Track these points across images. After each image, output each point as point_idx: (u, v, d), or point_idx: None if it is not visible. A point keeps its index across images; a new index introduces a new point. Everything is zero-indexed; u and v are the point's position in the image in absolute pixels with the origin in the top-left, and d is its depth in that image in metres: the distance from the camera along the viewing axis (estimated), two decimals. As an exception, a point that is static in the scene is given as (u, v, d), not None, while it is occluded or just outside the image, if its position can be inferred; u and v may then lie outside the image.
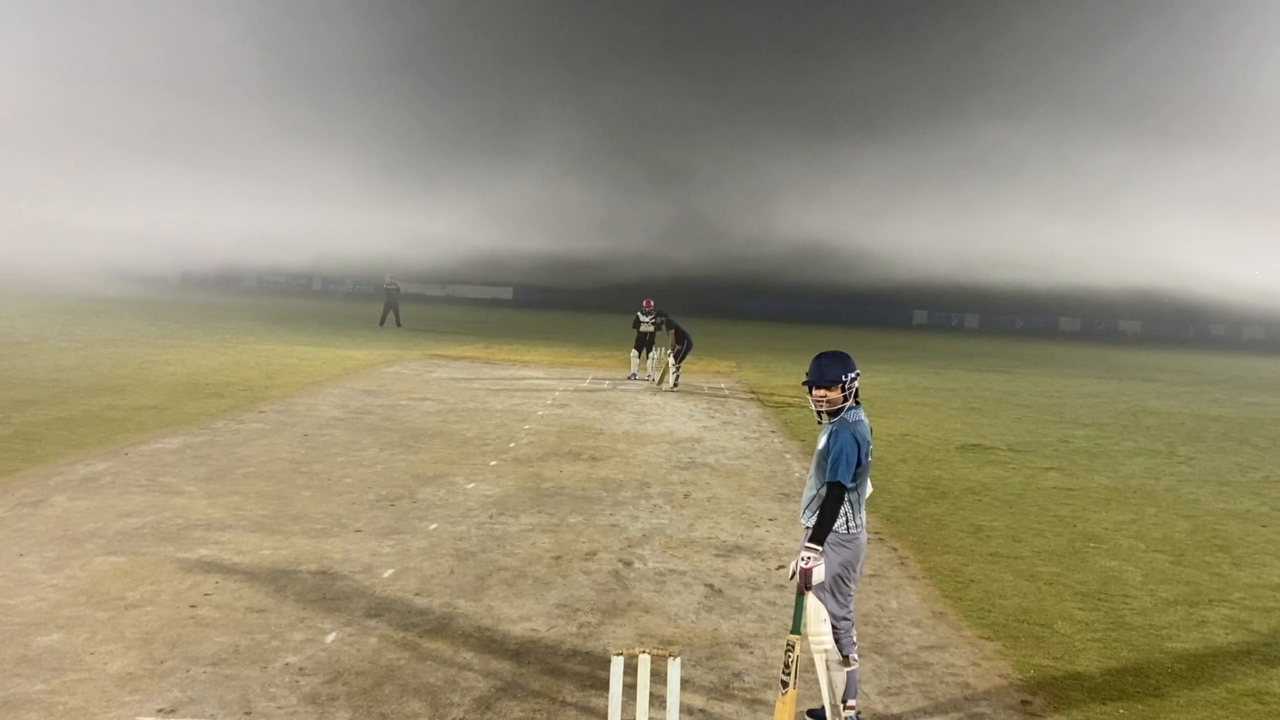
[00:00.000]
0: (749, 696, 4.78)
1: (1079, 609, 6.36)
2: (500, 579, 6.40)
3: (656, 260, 62.82)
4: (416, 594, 6.02)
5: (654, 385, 18.27)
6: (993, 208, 62.78)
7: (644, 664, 4.03)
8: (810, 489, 4.52)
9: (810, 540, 4.29)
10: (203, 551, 6.62)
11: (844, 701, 4.41)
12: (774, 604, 6.20)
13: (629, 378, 19.22)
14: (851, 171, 65.65)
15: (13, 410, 11.67)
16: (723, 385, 19.22)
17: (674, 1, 77.50)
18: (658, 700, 4.29)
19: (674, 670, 4.00)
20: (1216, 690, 5.12)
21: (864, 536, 4.49)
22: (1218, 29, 62.89)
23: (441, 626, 5.51)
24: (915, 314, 61.98)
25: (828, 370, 4.46)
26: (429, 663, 5.00)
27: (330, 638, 5.25)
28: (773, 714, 4.43)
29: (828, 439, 4.44)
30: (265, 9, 66.02)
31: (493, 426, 12.51)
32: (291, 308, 40.04)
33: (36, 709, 4.26)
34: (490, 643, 5.31)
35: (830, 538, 4.36)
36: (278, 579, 6.15)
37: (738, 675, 5.04)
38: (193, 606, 5.58)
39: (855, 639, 4.51)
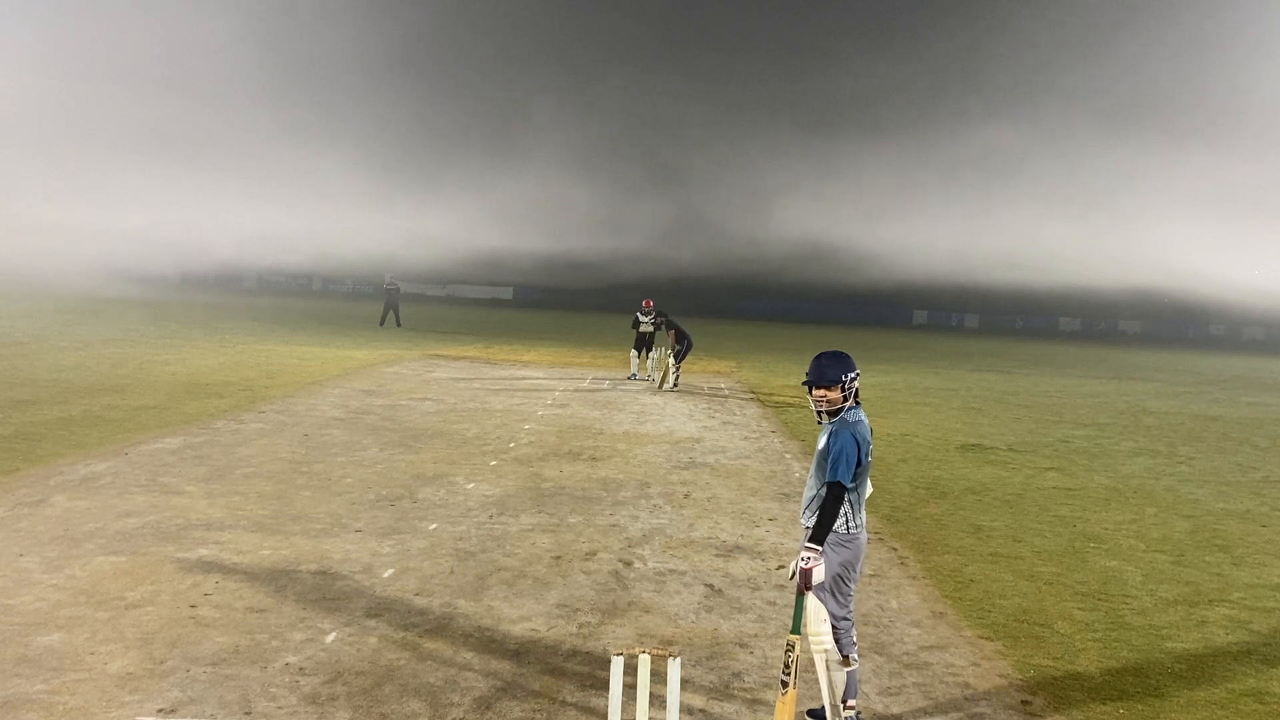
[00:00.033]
0: (749, 696, 4.78)
1: (1079, 609, 6.36)
2: (500, 579, 6.40)
3: (656, 260, 62.86)
4: (416, 594, 6.02)
5: (654, 385, 18.27)
6: (993, 208, 62.83)
7: (644, 664, 4.03)
8: (810, 489, 4.52)
9: (810, 540, 4.29)
10: (203, 551, 6.62)
11: (844, 701, 4.41)
12: (774, 604, 6.20)
13: (629, 378, 19.22)
14: (851, 171, 65.71)
15: (13, 410, 11.67)
16: (722, 385, 19.22)
17: (674, 1, 77.55)
18: (658, 700, 4.29)
19: (674, 670, 4.00)
20: (1216, 690, 5.12)
21: (864, 536, 4.49)
22: (1218, 29, 62.95)
23: (441, 626, 5.51)
24: (915, 314, 61.96)
25: (828, 370, 4.46)
26: (429, 663, 5.00)
27: (330, 638, 5.25)
28: (773, 714, 4.43)
29: (828, 439, 4.44)
30: (265, 9, 66.08)
31: (493, 426, 12.51)
32: (291, 308, 40.04)
33: (36, 709, 4.26)
34: (490, 643, 5.31)
35: (830, 538, 4.36)
36: (278, 579, 6.15)
37: (738, 675, 5.04)
38: (193, 606, 5.58)
39: (855, 639, 4.51)
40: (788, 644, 4.23)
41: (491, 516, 7.98)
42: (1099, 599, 6.58)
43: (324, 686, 4.65)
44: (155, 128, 61.94)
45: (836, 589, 4.44)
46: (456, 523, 7.72)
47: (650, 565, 6.89)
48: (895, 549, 7.67)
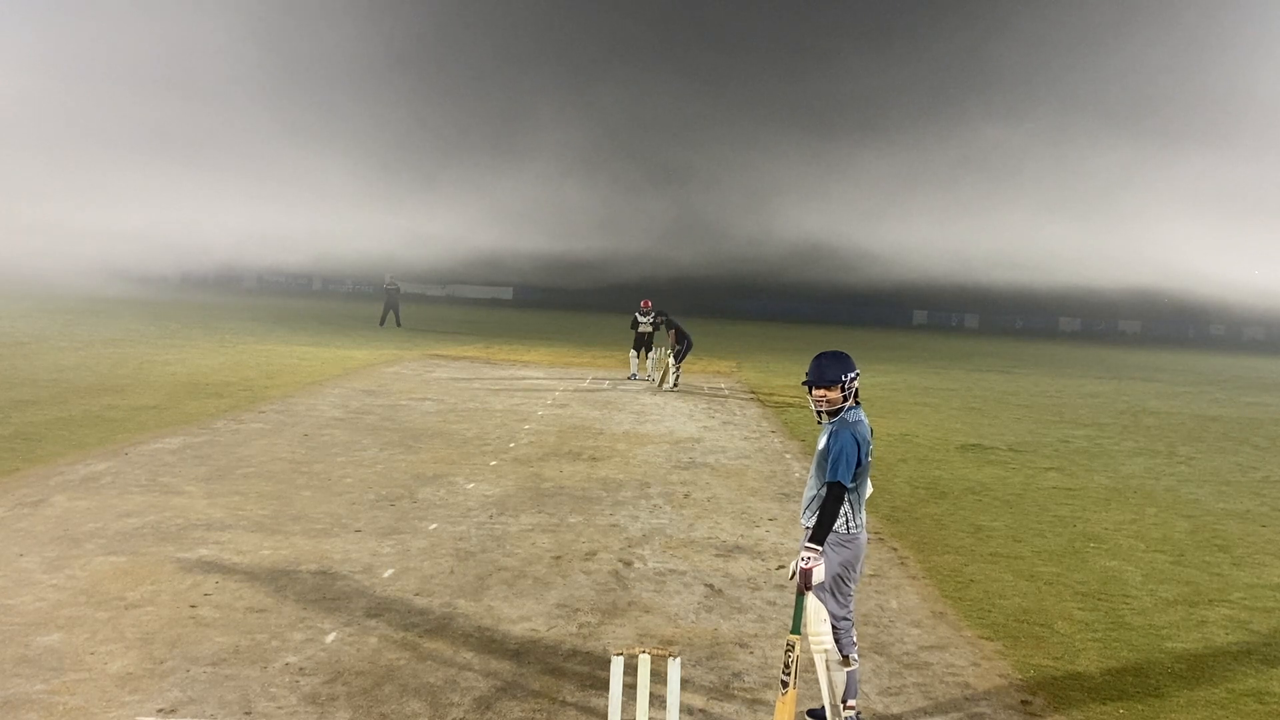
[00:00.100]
0: (749, 696, 4.78)
1: (1079, 609, 6.36)
2: (500, 579, 6.40)
3: (656, 260, 62.83)
4: (416, 594, 6.02)
5: (654, 385, 18.27)
6: (993, 208, 62.81)
7: (644, 664, 4.03)
8: (810, 489, 4.52)
9: (810, 540, 4.29)
10: (203, 551, 6.62)
11: (844, 701, 4.41)
12: (774, 604, 6.20)
13: (629, 378, 19.22)
14: (851, 171, 65.67)
15: (13, 410, 11.67)
16: (723, 385, 19.22)
17: (674, 1, 77.53)
18: (658, 700, 4.29)
19: (674, 670, 4.00)
20: (1216, 690, 5.12)
21: (864, 536, 4.49)
22: (1218, 29, 62.95)
23: (441, 626, 5.51)
24: (915, 314, 61.94)
25: (827, 370, 4.46)
26: (429, 663, 5.00)
27: (330, 638, 5.25)
28: (773, 714, 4.43)
29: (828, 439, 4.44)
30: (265, 9, 66.05)
31: (493, 426, 12.51)
32: (291, 308, 40.04)
33: (36, 709, 4.26)
34: (490, 643, 5.31)
35: (830, 538, 4.36)
36: (278, 579, 6.15)
37: (738, 675, 5.04)
38: (193, 606, 5.58)
39: (855, 639, 4.51)
40: (788, 644, 4.23)
41: (491, 516, 7.98)
42: (1099, 599, 6.58)
43: (324, 686, 4.65)
44: (155, 128, 62.00)
45: (836, 589, 4.44)
46: (456, 523, 7.72)
47: (650, 565, 6.89)
48: (895, 549, 7.67)
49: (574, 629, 5.59)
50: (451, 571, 6.50)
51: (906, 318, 61.43)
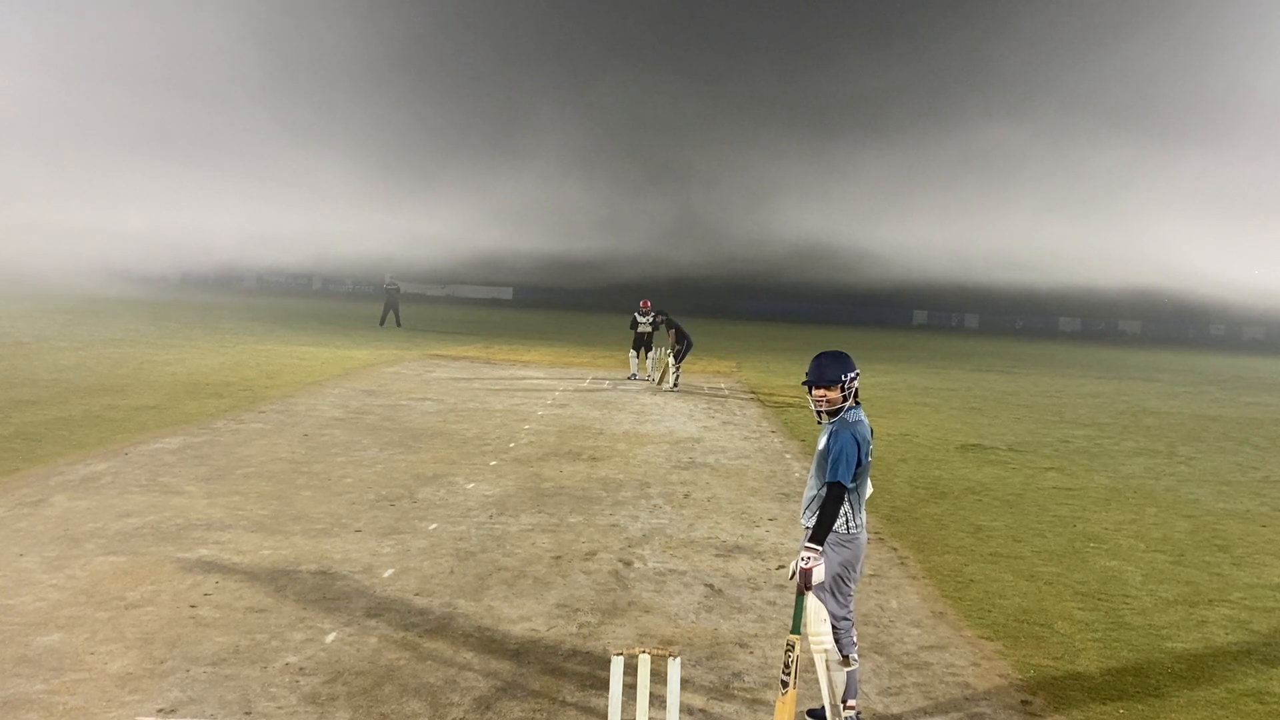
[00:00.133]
0: (749, 696, 4.78)
1: (1079, 609, 6.36)
2: (500, 579, 6.40)
3: (656, 260, 62.81)
4: (416, 594, 6.02)
5: (653, 385, 18.28)
6: (993, 208, 62.80)
7: (644, 664, 4.03)
8: (810, 489, 4.52)
9: (810, 540, 4.29)
10: (203, 551, 6.62)
11: (844, 701, 4.41)
12: (774, 604, 6.20)
13: (629, 378, 19.22)
14: (851, 171, 65.66)
15: (13, 410, 11.67)
16: (723, 385, 19.22)
17: (674, 1, 77.53)
18: (658, 700, 4.29)
19: (674, 670, 4.00)
20: (1216, 690, 5.12)
21: (864, 536, 4.49)
22: (1218, 29, 62.94)
23: (441, 626, 5.51)
24: (915, 314, 61.93)
25: (827, 370, 4.46)
26: (429, 663, 5.00)
27: (330, 638, 5.25)
28: (773, 714, 4.43)
29: (828, 439, 4.44)
30: (265, 9, 66.07)
31: (493, 426, 12.51)
32: (291, 308, 40.04)
33: (36, 709, 4.26)
34: (490, 643, 5.31)
35: (830, 538, 4.36)
36: (278, 579, 6.15)
37: (738, 675, 5.04)
38: (193, 606, 5.58)
39: (855, 639, 4.51)
40: (788, 644, 4.23)
41: (491, 516, 7.98)
42: (1099, 599, 6.58)
43: (324, 686, 4.65)
44: (155, 128, 62.02)
45: (836, 589, 4.44)
46: (456, 523, 7.72)
47: (650, 565, 6.89)
48: (895, 549, 7.67)
49: (574, 629, 5.59)
50: (451, 571, 6.50)
51: (906, 318, 61.42)
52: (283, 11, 66.93)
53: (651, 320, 18.98)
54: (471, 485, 9.07)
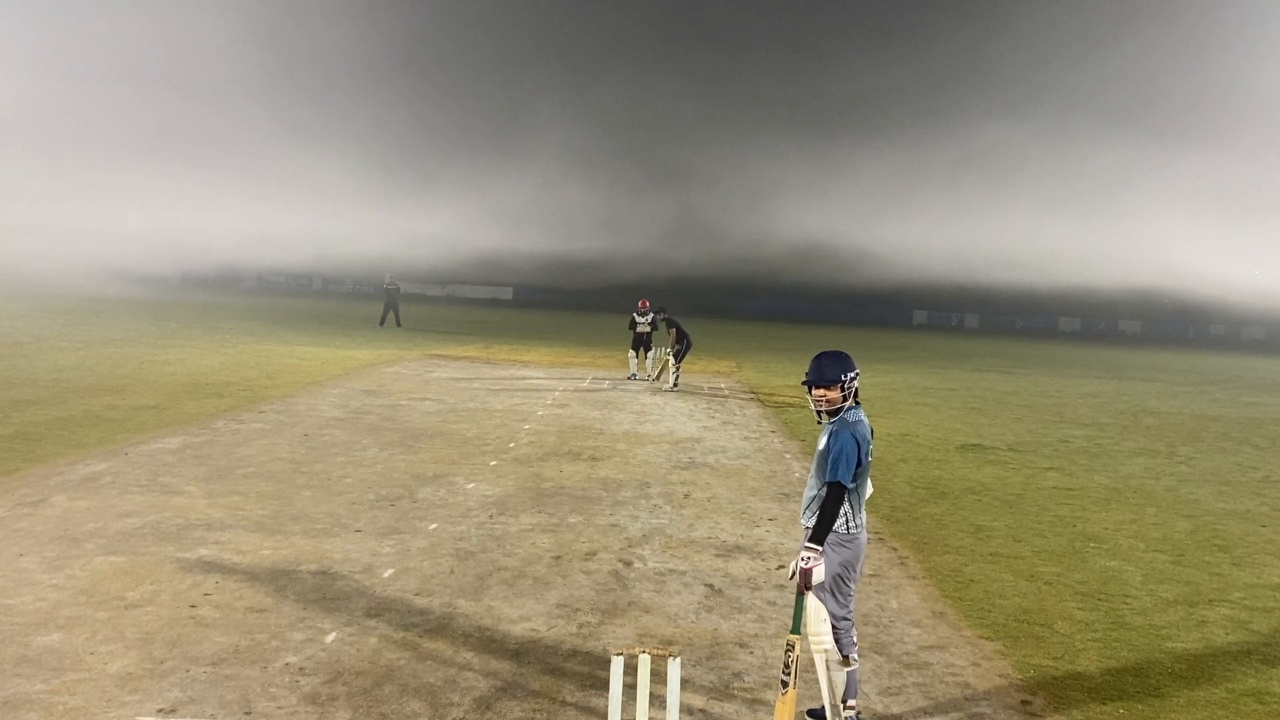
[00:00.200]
0: (749, 696, 4.78)
1: (1079, 609, 6.36)
2: (500, 579, 6.40)
3: (656, 260, 62.81)
4: (416, 594, 6.02)
5: (653, 383, 18.28)
6: (993, 208, 62.78)
7: (644, 664, 4.03)
8: (810, 489, 4.52)
9: (810, 540, 4.30)
10: (203, 551, 6.62)
11: (844, 701, 4.41)
12: (774, 604, 6.20)
13: (629, 378, 19.23)
14: (851, 171, 65.65)
15: (13, 410, 11.67)
16: (723, 385, 19.22)
17: (674, 1, 77.52)
18: (658, 700, 4.29)
19: (674, 670, 4.00)
20: (1216, 690, 5.12)
21: (864, 536, 4.49)
22: (1218, 29, 62.93)
23: (441, 626, 5.51)
24: (915, 314, 61.91)
25: (827, 370, 4.46)
26: (429, 663, 5.00)
27: (330, 638, 5.25)
28: (773, 714, 4.43)
29: (828, 439, 4.44)
30: (265, 9, 66.06)
31: (493, 426, 12.51)
32: (291, 308, 40.04)
33: (36, 709, 4.26)
34: (490, 643, 5.31)
35: (830, 538, 4.36)
36: (278, 579, 6.15)
37: (738, 675, 5.04)
38: (193, 606, 5.58)
39: (855, 639, 4.51)
40: (788, 644, 4.23)
41: (491, 516, 7.98)
42: (1099, 599, 6.58)
43: (324, 686, 4.65)
44: (155, 128, 62.02)
45: (836, 589, 4.44)
46: (456, 523, 7.72)
47: (650, 565, 6.89)
48: (895, 549, 7.67)
49: (574, 629, 5.59)
50: (451, 571, 6.50)
51: (906, 318, 61.42)
52: (283, 11, 66.97)
53: (650, 320, 18.99)
54: (471, 485, 9.07)
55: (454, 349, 24.30)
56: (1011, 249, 59.34)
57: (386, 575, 6.35)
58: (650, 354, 19.08)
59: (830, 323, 55.48)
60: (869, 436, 4.46)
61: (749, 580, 6.67)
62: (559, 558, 6.94)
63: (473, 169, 66.10)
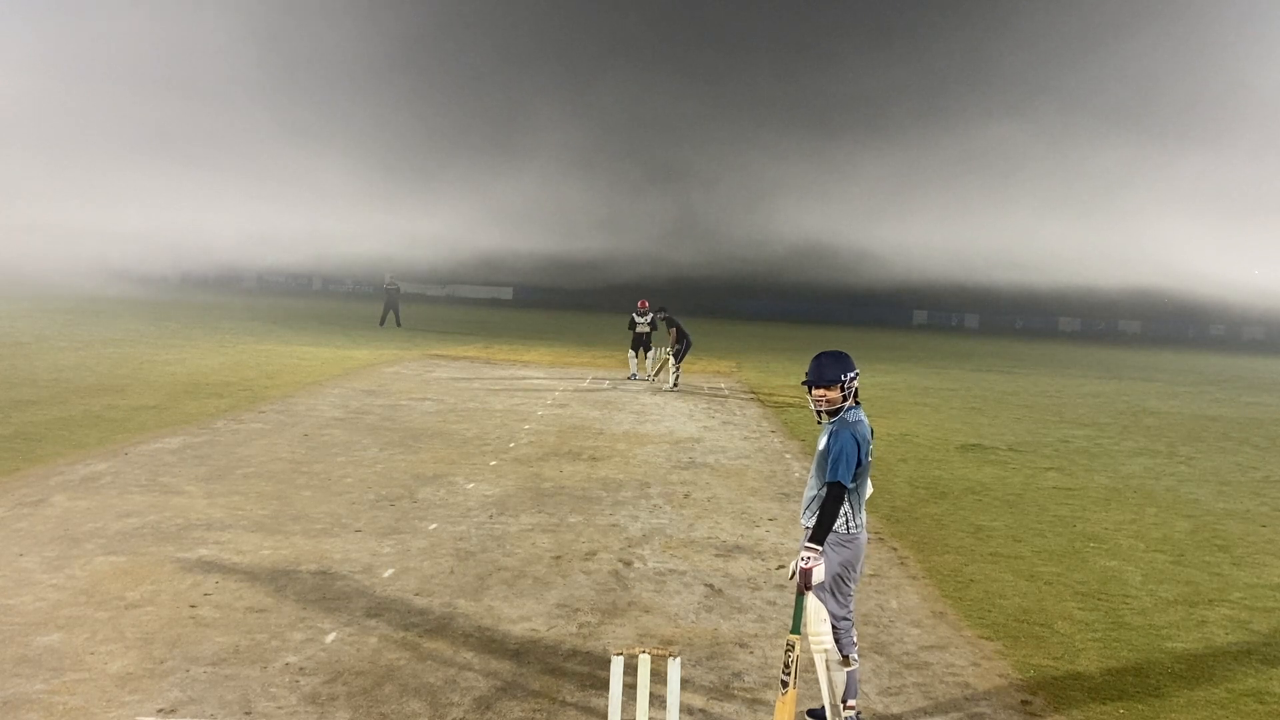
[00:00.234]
0: (749, 696, 4.78)
1: (1079, 609, 6.36)
2: (500, 579, 6.40)
3: (656, 260, 62.80)
4: (416, 594, 6.02)
5: (652, 383, 18.28)
6: (993, 207, 62.77)
7: (644, 664, 4.03)
8: (810, 489, 4.52)
9: (810, 540, 4.30)
10: (203, 551, 6.62)
11: (844, 701, 4.41)
12: (774, 604, 6.20)
13: (629, 378, 19.23)
14: (851, 171, 65.64)
15: (13, 410, 11.67)
16: (723, 385, 19.22)
17: (674, 1, 77.52)
18: (658, 700, 4.29)
19: (674, 670, 4.00)
20: (1216, 690, 5.12)
21: (864, 536, 4.49)
22: (1218, 29, 62.92)
23: (441, 626, 5.51)
24: (915, 314, 61.89)
25: (827, 370, 4.46)
26: (429, 663, 5.00)
27: (330, 638, 5.25)
28: (773, 714, 4.43)
29: (828, 439, 4.44)
30: (265, 9, 66.06)
31: (493, 426, 12.51)
32: (291, 308, 40.04)
33: (36, 709, 4.26)
34: (490, 643, 5.31)
35: (830, 538, 4.36)
36: (278, 579, 6.15)
37: (738, 675, 5.04)
38: (193, 606, 5.58)
39: (855, 639, 4.51)
40: (788, 644, 4.23)
41: (491, 516, 7.98)
42: (1099, 599, 6.58)
43: (324, 686, 4.65)
44: (155, 128, 62.03)
45: (836, 589, 4.44)
46: (456, 523, 7.72)
47: (650, 565, 6.89)
48: (895, 549, 7.67)
49: (574, 629, 5.59)
50: (451, 571, 6.50)
51: (906, 318, 61.40)
52: (283, 11, 66.96)
53: (650, 320, 18.99)
54: (471, 485, 9.07)
55: (454, 349, 24.30)
56: (1011, 249, 59.35)
57: (386, 575, 6.35)
58: (650, 354, 19.08)
59: (830, 323, 55.47)
60: (869, 436, 4.46)
61: (749, 580, 6.67)
62: (559, 558, 6.94)
63: (473, 169, 66.14)
